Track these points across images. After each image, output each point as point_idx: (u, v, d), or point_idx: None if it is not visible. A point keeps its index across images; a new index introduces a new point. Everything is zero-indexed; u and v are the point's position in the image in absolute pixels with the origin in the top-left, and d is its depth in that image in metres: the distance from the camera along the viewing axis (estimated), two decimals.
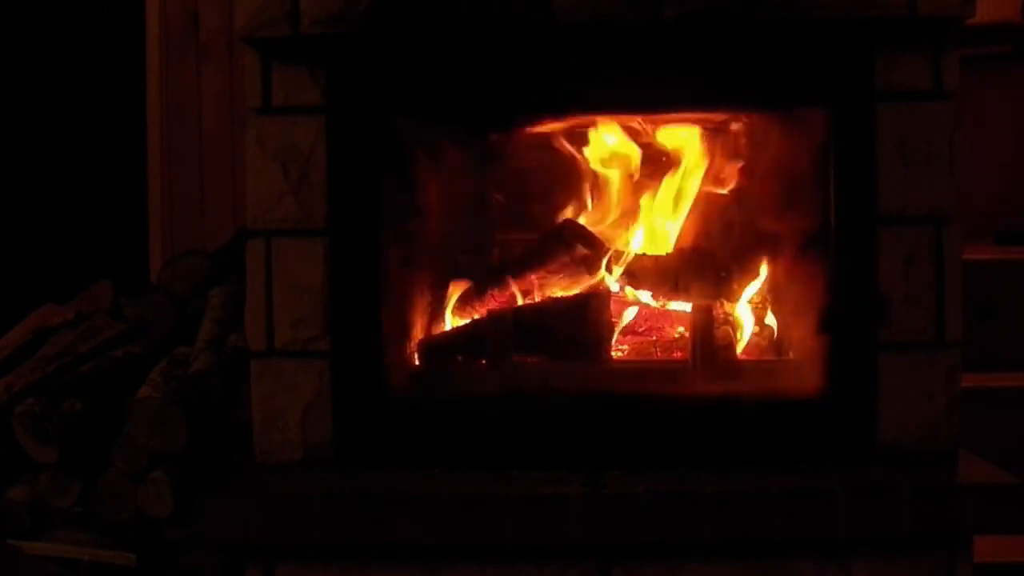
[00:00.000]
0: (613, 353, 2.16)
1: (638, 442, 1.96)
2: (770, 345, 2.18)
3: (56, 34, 3.49)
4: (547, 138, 2.29)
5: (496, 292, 2.27)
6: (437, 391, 2.09)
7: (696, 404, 2.00)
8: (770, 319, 2.19)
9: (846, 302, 1.95)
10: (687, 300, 2.18)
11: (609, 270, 2.24)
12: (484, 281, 2.27)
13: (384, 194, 2.01)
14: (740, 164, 2.24)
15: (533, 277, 2.27)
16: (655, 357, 2.20)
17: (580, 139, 2.28)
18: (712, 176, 2.27)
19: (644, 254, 2.27)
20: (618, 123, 2.23)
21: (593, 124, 2.24)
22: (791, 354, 2.12)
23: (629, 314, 2.23)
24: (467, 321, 2.22)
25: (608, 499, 1.82)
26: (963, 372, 1.95)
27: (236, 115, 3.23)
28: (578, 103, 2.07)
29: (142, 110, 3.37)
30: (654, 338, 2.23)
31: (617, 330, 2.18)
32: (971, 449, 1.98)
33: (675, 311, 2.24)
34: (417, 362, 2.13)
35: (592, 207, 2.33)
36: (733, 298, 2.19)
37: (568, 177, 2.33)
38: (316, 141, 1.98)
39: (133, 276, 3.05)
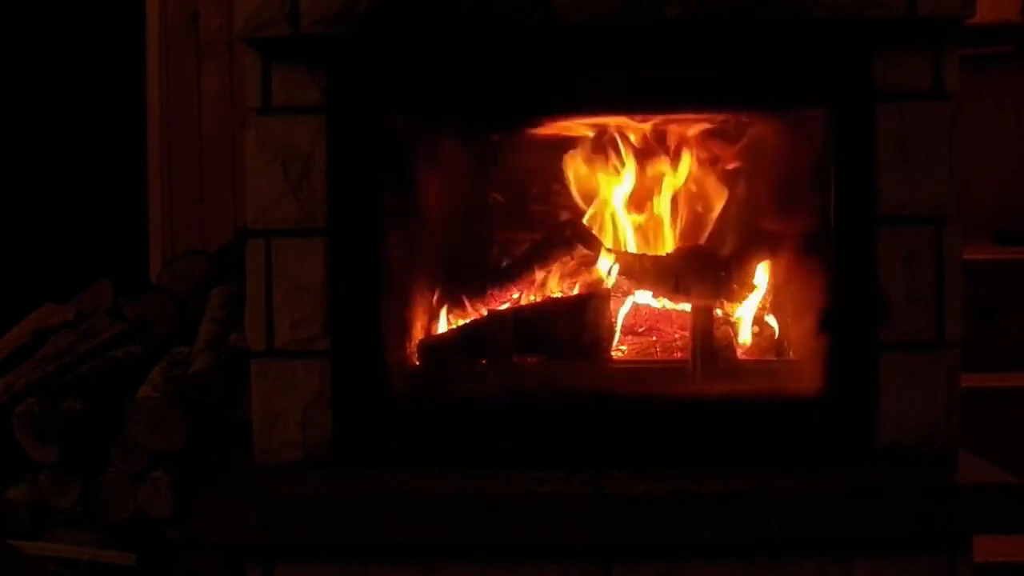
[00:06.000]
0: (613, 353, 2.15)
1: (638, 442, 1.96)
2: (770, 345, 2.18)
3: (56, 34, 3.49)
4: (547, 138, 2.29)
5: (496, 292, 2.27)
6: (437, 391, 2.09)
7: (696, 404, 2.00)
8: (770, 319, 2.19)
9: (846, 302, 1.95)
10: (687, 300, 2.18)
11: (609, 270, 2.23)
12: (484, 281, 2.27)
13: (384, 194, 2.01)
14: (738, 164, 2.25)
15: (533, 277, 2.26)
16: (655, 357, 2.20)
17: (580, 139, 2.28)
18: (712, 176, 2.26)
19: (644, 254, 2.26)
20: (618, 123, 2.23)
21: (593, 124, 2.24)
22: (791, 354, 2.12)
23: (629, 314, 2.23)
24: (467, 321, 2.22)
25: (608, 499, 1.82)
26: (963, 372, 1.95)
27: (236, 115, 3.24)
28: (578, 103, 2.07)
29: (142, 110, 3.37)
30: (654, 338, 2.23)
31: (617, 330, 2.18)
32: (971, 449, 1.98)
33: (675, 311, 2.24)
34: (417, 362, 2.13)
35: (592, 207, 2.32)
36: (733, 298, 2.19)
37: (567, 177, 2.32)
38: (316, 141, 1.98)
39: (133, 276, 3.05)
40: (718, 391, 2.01)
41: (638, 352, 2.21)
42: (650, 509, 1.81)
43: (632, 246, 2.29)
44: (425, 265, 2.19)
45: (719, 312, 2.17)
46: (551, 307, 2.19)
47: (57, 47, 3.49)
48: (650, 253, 2.27)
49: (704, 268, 2.18)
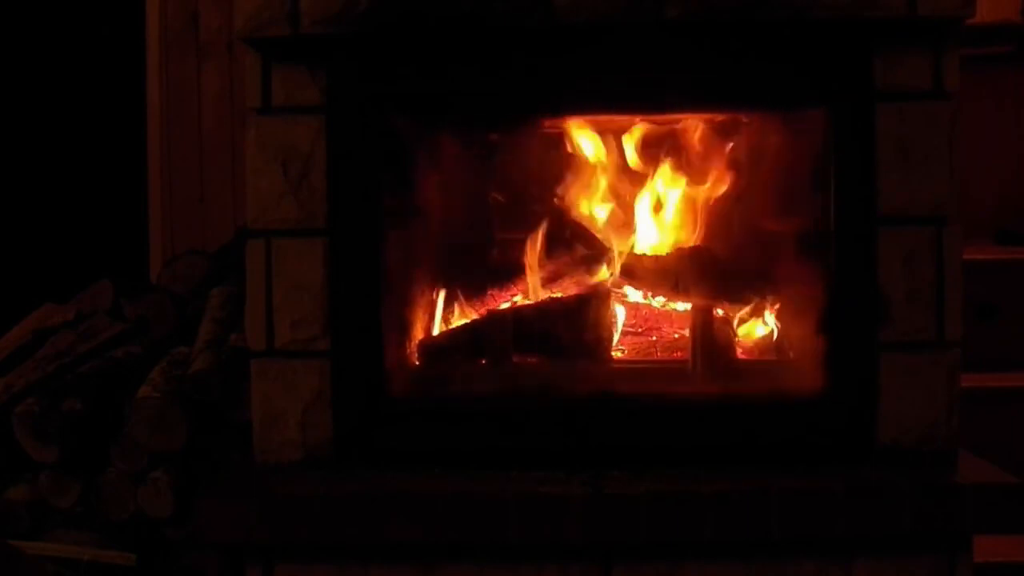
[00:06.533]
0: (613, 353, 2.15)
1: (638, 442, 1.96)
2: (770, 345, 2.18)
3: (56, 34, 3.49)
4: (547, 137, 2.29)
5: (496, 292, 2.27)
6: (437, 391, 2.09)
7: (696, 404, 2.00)
8: (770, 319, 2.19)
9: (846, 302, 1.95)
10: (687, 300, 2.18)
11: (609, 270, 2.23)
12: (484, 281, 2.27)
13: (384, 194, 2.01)
14: (738, 164, 2.24)
15: (532, 278, 2.26)
16: (655, 357, 2.20)
17: (580, 139, 2.28)
18: (712, 176, 2.26)
19: (644, 254, 2.26)
20: (618, 123, 2.23)
21: (593, 124, 2.24)
22: (791, 354, 2.12)
23: (629, 314, 2.23)
24: (467, 321, 2.22)
25: (608, 499, 1.82)
26: (963, 372, 1.95)
27: (236, 115, 3.24)
28: (578, 103, 2.07)
29: (142, 110, 3.37)
30: (654, 338, 2.23)
31: (617, 330, 2.18)
32: (971, 449, 1.98)
33: (675, 311, 2.24)
34: (417, 362, 2.13)
35: (592, 207, 2.32)
36: (733, 298, 2.18)
37: (568, 177, 2.32)
38: (316, 141, 1.98)
39: (133, 276, 3.05)
40: (718, 391, 2.01)
41: (638, 352, 2.21)
42: (650, 509, 1.81)
43: (632, 246, 2.29)
44: (425, 265, 2.19)
45: (719, 312, 2.17)
46: (551, 307, 2.19)
47: (57, 47, 3.49)
48: (650, 253, 2.27)
49: (704, 268, 2.18)
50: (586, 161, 2.29)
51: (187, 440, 2.23)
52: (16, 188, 3.50)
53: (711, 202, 2.28)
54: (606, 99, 2.04)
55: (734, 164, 2.25)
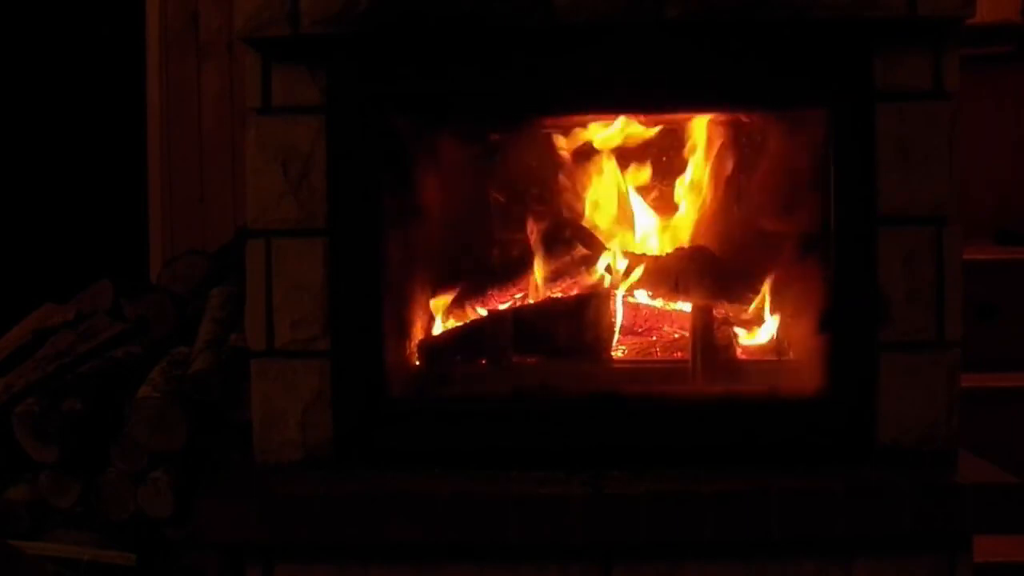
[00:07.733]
0: (613, 353, 2.15)
1: (638, 442, 1.96)
2: (770, 345, 2.18)
3: (56, 34, 3.49)
4: (547, 137, 2.29)
5: (496, 292, 2.27)
6: (437, 391, 2.09)
7: (696, 404, 2.00)
8: (770, 319, 2.19)
9: (846, 302, 1.95)
10: (687, 300, 2.18)
11: (609, 270, 2.23)
12: (484, 281, 2.27)
13: (384, 194, 2.01)
14: (738, 163, 2.25)
15: (533, 277, 2.26)
16: (655, 357, 2.20)
17: (580, 139, 2.28)
18: (712, 176, 2.26)
19: (644, 254, 2.26)
20: (618, 123, 2.23)
21: (593, 124, 2.24)
22: (791, 354, 2.12)
23: (629, 314, 2.23)
24: (467, 321, 2.22)
25: (608, 499, 1.82)
26: (963, 372, 1.95)
27: (236, 115, 3.24)
28: (578, 103, 2.07)
29: (142, 110, 3.37)
30: (654, 338, 2.23)
31: (617, 330, 2.18)
32: (971, 449, 1.98)
33: (675, 311, 2.24)
34: (417, 362, 2.13)
35: (592, 207, 2.32)
36: (733, 298, 2.18)
37: (568, 177, 2.32)
38: (316, 141, 1.98)
39: (133, 276, 3.05)
40: (718, 391, 2.01)
41: (638, 352, 2.21)
42: (650, 509, 1.81)
43: (632, 246, 2.29)
44: (425, 265, 2.19)
45: (719, 312, 2.16)
46: (551, 307, 2.19)
47: (57, 47, 3.49)
48: (650, 253, 2.27)
49: (704, 268, 2.18)
50: (586, 161, 2.29)
51: (187, 440, 2.23)
52: (16, 188, 3.50)
53: (711, 202, 2.28)
54: (606, 99, 2.04)
55: (734, 164, 2.25)
